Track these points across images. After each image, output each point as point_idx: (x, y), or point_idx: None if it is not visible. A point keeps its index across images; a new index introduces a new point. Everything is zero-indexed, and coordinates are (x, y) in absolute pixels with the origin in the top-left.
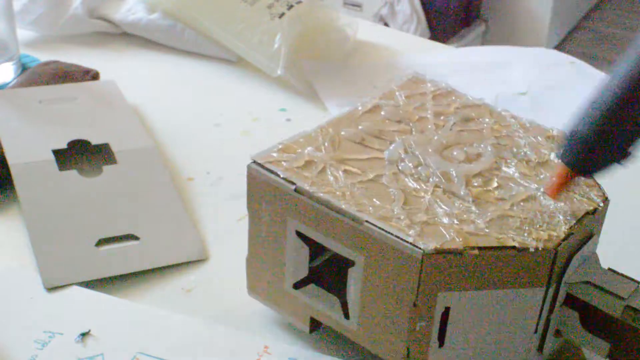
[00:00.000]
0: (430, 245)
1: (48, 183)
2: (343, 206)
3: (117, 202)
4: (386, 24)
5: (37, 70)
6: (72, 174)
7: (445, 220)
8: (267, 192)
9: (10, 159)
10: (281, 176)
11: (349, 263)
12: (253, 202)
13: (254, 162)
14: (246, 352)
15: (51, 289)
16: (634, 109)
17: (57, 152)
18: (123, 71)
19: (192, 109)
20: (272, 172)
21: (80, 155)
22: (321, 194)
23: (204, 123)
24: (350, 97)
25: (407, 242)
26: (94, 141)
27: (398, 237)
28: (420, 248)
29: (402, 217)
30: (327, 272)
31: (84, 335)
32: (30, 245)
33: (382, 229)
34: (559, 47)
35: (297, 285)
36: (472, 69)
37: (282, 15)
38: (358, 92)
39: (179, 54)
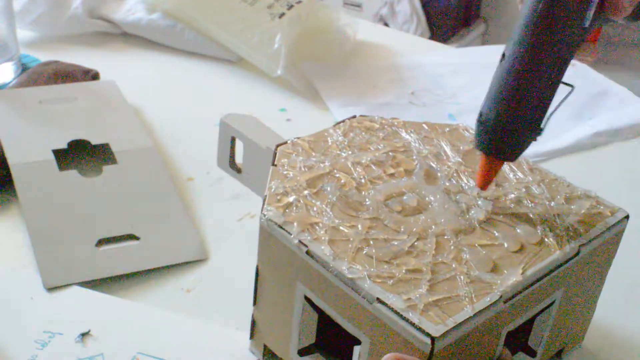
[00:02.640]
0: (441, 330)
1: (48, 183)
2: (351, 277)
3: (117, 202)
4: (386, 24)
5: (37, 70)
6: (72, 174)
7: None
8: (278, 249)
9: (10, 159)
10: (294, 240)
11: (356, 340)
12: (264, 254)
13: (267, 218)
14: (246, 352)
15: (51, 289)
16: (535, 85)
17: (57, 152)
18: (123, 71)
19: (192, 109)
20: (284, 229)
21: (80, 155)
22: (331, 263)
23: (204, 123)
24: (352, 97)
25: (415, 327)
26: (94, 141)
27: (407, 321)
28: (429, 336)
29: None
30: (335, 341)
31: (84, 335)
32: (30, 245)
33: (393, 310)
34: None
35: (302, 353)
36: (473, 70)
37: (282, 15)
38: (359, 92)
39: (179, 54)
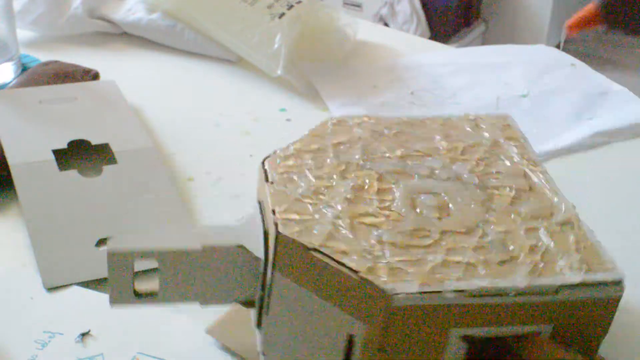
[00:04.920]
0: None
1: (48, 183)
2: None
3: (117, 202)
4: (386, 24)
5: (37, 70)
6: (72, 174)
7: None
8: (418, 316)
9: (10, 159)
10: (448, 295)
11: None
12: (401, 336)
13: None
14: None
15: (51, 289)
16: None
17: (57, 152)
18: (123, 71)
19: (192, 109)
20: (427, 293)
21: (80, 155)
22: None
23: (204, 123)
24: (352, 97)
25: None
26: (94, 141)
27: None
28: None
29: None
30: None
31: (84, 335)
32: (30, 245)
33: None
34: (560, 46)
35: None
36: (473, 70)
37: (282, 15)
38: (359, 92)
39: (179, 54)
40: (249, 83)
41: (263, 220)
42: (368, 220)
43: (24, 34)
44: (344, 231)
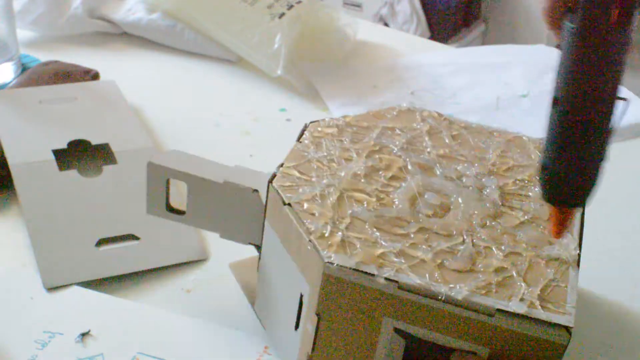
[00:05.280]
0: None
1: (48, 183)
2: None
3: (117, 202)
4: (386, 24)
5: (37, 70)
6: (72, 174)
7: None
8: (354, 293)
9: (10, 159)
10: (380, 280)
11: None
12: (331, 302)
13: (338, 265)
14: (246, 352)
15: (51, 289)
16: (598, 127)
17: (57, 152)
18: (123, 71)
19: (192, 109)
20: (362, 272)
21: (80, 155)
22: (432, 289)
23: (204, 123)
24: (352, 97)
25: (547, 323)
26: (94, 141)
27: (536, 320)
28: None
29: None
30: None
31: (84, 335)
32: (30, 245)
33: (518, 315)
34: (560, 47)
35: None
36: (473, 70)
37: (282, 15)
38: (359, 92)
39: (179, 54)
40: (249, 83)
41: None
42: (357, 195)
43: (24, 34)
44: (329, 199)
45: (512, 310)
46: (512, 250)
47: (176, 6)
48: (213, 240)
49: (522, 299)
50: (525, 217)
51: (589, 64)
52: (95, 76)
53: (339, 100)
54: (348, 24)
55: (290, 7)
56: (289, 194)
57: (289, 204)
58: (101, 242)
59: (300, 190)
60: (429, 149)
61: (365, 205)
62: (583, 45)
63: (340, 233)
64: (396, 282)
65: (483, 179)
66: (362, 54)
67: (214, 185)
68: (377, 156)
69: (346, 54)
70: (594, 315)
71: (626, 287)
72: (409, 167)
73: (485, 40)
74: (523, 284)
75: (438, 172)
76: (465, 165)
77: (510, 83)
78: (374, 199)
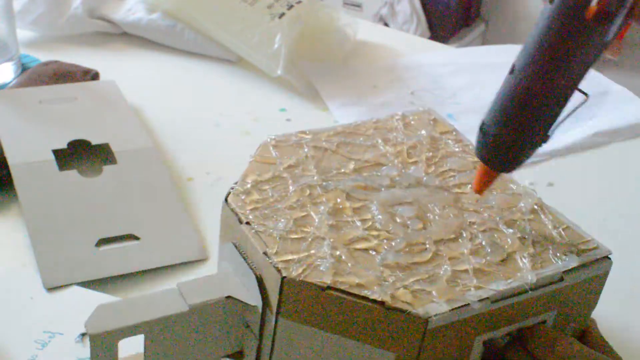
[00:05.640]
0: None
1: (48, 183)
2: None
3: (117, 202)
4: (386, 24)
5: (37, 70)
6: (72, 174)
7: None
8: (450, 334)
9: (10, 159)
10: (476, 305)
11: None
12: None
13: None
14: None
15: (51, 289)
16: (546, 104)
17: (57, 152)
18: (123, 71)
19: (192, 109)
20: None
21: (80, 155)
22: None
23: (204, 123)
24: (352, 97)
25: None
26: (94, 141)
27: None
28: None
29: None
30: None
31: (84, 335)
32: (30, 245)
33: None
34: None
35: None
36: (473, 70)
37: (282, 15)
38: (359, 92)
39: (179, 54)
40: (249, 83)
41: (249, 265)
42: (362, 245)
43: (24, 34)
44: (347, 262)
45: (571, 267)
46: (505, 220)
47: (176, 6)
48: (213, 240)
49: (565, 253)
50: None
51: (552, 47)
52: (95, 76)
53: (339, 100)
54: (348, 24)
55: (290, 7)
56: (317, 278)
57: (330, 287)
58: (101, 242)
59: (322, 268)
60: (342, 170)
61: (379, 249)
62: (550, 28)
63: (400, 286)
64: (487, 298)
65: (410, 173)
66: (362, 54)
67: (179, 317)
68: (320, 199)
69: (346, 54)
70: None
71: (626, 287)
72: (353, 194)
73: (485, 40)
74: (548, 241)
75: (378, 186)
76: (384, 168)
77: None
78: (375, 241)
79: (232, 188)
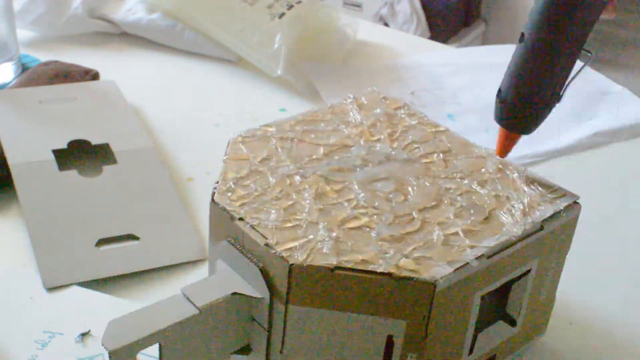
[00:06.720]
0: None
1: (48, 183)
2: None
3: (117, 202)
4: (386, 24)
5: (37, 70)
6: (72, 174)
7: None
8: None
9: (10, 159)
10: (474, 263)
11: None
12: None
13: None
14: None
15: (51, 289)
16: (555, 65)
17: (57, 152)
18: (123, 71)
19: (192, 109)
20: (461, 266)
21: (80, 155)
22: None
23: (204, 123)
24: None
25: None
26: (94, 141)
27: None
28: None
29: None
30: None
31: (84, 335)
32: (30, 245)
33: None
34: None
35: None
36: (473, 70)
37: (282, 15)
38: (359, 92)
39: (179, 54)
40: (249, 83)
41: (249, 259)
42: (355, 223)
43: (24, 34)
44: (346, 242)
45: (548, 215)
46: (478, 181)
47: (176, 6)
48: None
49: (539, 203)
50: (441, 156)
51: (555, 10)
52: (95, 76)
53: (339, 101)
54: (348, 24)
55: (290, 7)
56: (323, 261)
57: (338, 267)
58: (101, 242)
59: (325, 250)
60: (314, 156)
61: (372, 225)
62: None
63: (401, 256)
64: (482, 256)
65: (378, 150)
66: (362, 54)
67: (191, 320)
68: (303, 186)
69: (346, 54)
70: (593, 316)
71: (626, 287)
72: (331, 177)
73: (485, 40)
74: (521, 194)
75: (352, 167)
76: (353, 149)
77: None
78: (366, 218)
79: (215, 188)
